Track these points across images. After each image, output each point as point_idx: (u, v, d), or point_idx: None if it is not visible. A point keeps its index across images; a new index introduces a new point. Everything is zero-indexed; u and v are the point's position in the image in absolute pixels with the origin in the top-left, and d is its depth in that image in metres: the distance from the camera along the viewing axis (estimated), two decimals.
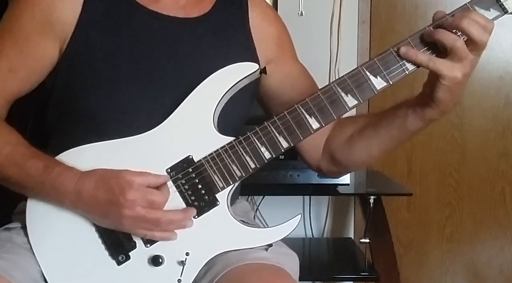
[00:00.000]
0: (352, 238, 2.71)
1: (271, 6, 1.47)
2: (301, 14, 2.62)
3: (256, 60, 1.31)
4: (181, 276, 1.15)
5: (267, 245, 1.20)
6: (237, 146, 1.17)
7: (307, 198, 2.66)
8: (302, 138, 1.18)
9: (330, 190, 2.27)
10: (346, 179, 2.16)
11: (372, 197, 2.21)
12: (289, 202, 2.55)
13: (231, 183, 1.18)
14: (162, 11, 1.27)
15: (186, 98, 1.20)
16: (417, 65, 1.14)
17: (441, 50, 1.12)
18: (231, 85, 1.19)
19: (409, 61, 1.14)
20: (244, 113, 1.33)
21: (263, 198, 2.58)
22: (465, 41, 1.10)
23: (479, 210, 2.84)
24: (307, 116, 1.18)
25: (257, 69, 1.21)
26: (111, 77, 1.21)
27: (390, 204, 2.55)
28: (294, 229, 1.18)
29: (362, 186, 2.40)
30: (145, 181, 1.13)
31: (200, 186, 1.17)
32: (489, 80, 2.78)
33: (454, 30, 1.10)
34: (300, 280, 1.25)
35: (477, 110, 2.81)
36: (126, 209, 1.11)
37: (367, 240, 2.23)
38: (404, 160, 2.81)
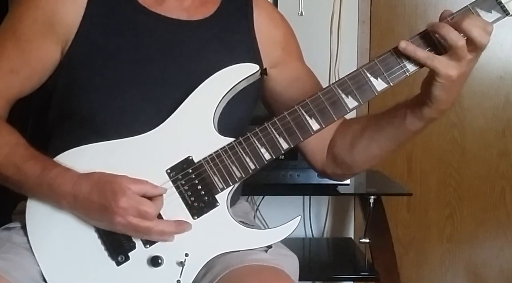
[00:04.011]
0: (352, 238, 2.71)
1: (277, 9, 1.46)
2: (301, 14, 2.62)
3: (260, 64, 1.30)
4: (180, 277, 1.15)
5: (266, 246, 1.20)
6: (237, 147, 1.17)
7: (307, 198, 2.65)
8: (302, 139, 1.18)
9: (330, 190, 2.27)
10: None
11: (372, 197, 2.21)
12: (289, 202, 2.55)
13: (231, 184, 1.18)
14: (165, 14, 1.27)
15: (187, 99, 1.19)
16: (415, 61, 1.14)
17: (441, 52, 1.12)
18: (232, 86, 1.19)
19: (407, 57, 1.14)
20: (246, 115, 1.33)
21: (263, 198, 2.58)
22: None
23: (479, 210, 2.84)
24: (307, 118, 1.17)
25: (258, 70, 1.21)
26: (113, 79, 1.21)
27: (390, 204, 2.55)
28: (294, 230, 1.17)
29: (362, 186, 2.40)
30: (141, 190, 1.13)
31: (200, 187, 1.17)
32: (489, 80, 2.78)
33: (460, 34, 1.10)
34: (300, 280, 1.26)
35: (477, 110, 2.80)
36: (118, 216, 1.11)
37: (367, 240, 2.23)
38: (404, 160, 2.81)
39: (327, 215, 2.74)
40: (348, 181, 2.16)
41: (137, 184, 1.13)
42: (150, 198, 1.14)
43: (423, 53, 1.13)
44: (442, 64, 1.11)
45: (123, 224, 1.12)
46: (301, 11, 2.62)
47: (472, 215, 2.84)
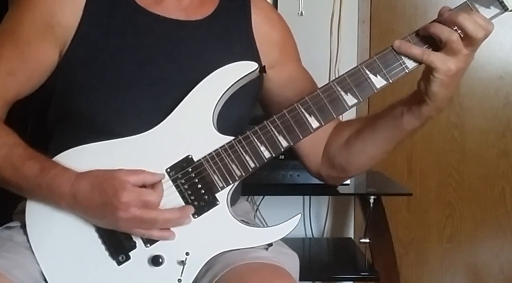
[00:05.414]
0: (352, 238, 2.71)
1: (276, 10, 1.46)
2: (301, 14, 2.62)
3: (259, 62, 1.30)
4: (181, 276, 1.15)
5: (267, 244, 1.20)
6: (237, 145, 1.17)
7: (307, 198, 2.65)
8: (301, 137, 1.18)
9: (330, 190, 2.27)
10: None
11: (372, 197, 2.21)
12: (289, 202, 2.55)
13: (231, 182, 1.18)
14: (163, 14, 1.27)
15: (185, 98, 1.20)
16: (411, 58, 1.14)
17: (438, 49, 1.12)
18: (230, 84, 1.19)
19: (403, 54, 1.14)
20: (245, 114, 1.33)
21: (263, 198, 2.58)
22: (461, 36, 1.10)
23: (479, 210, 2.84)
24: (307, 115, 1.17)
25: (256, 68, 1.21)
26: (113, 79, 1.21)
27: (390, 204, 2.55)
28: (294, 228, 1.17)
29: (362, 186, 2.40)
30: (140, 180, 1.13)
31: (199, 186, 1.17)
32: (489, 80, 2.78)
33: (455, 28, 1.10)
34: (300, 280, 1.25)
35: (477, 110, 2.80)
36: (121, 211, 1.10)
37: (367, 240, 2.23)
38: (404, 160, 2.81)
39: (327, 215, 2.74)
40: (348, 181, 2.16)
41: (135, 174, 1.13)
42: (150, 188, 1.14)
43: (418, 50, 1.13)
44: (439, 59, 1.11)
45: (127, 218, 1.11)
46: (301, 11, 2.62)
47: (472, 215, 2.84)
